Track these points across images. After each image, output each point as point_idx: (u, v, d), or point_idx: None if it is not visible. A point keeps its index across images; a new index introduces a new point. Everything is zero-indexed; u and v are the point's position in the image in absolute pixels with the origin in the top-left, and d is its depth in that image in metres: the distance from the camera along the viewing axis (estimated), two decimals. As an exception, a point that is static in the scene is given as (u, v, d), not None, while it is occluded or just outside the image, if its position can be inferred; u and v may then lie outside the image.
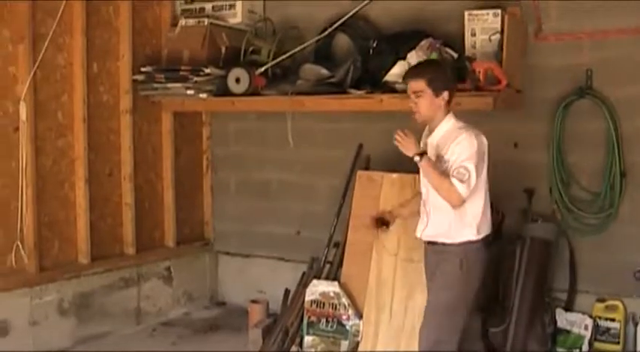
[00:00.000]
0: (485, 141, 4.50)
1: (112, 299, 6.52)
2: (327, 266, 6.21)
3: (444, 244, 4.56)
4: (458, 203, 4.38)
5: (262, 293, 6.86)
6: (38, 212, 5.98)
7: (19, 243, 5.84)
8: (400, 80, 5.55)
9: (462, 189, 4.32)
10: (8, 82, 5.80)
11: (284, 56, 6.39)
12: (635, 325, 5.55)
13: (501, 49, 5.52)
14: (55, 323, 6.07)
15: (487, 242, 4.60)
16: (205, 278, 7.46)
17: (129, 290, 6.68)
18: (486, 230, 4.59)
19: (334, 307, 5.83)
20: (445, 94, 4.46)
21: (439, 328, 4.53)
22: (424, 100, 4.47)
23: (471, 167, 4.33)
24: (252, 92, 6.26)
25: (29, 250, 5.91)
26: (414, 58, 5.52)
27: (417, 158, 4.44)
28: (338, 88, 6.01)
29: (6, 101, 5.80)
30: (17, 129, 5.84)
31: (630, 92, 5.55)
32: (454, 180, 4.33)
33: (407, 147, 4.48)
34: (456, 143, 4.39)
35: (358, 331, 5.74)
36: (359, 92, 5.91)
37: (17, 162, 5.83)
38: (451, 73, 4.63)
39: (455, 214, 4.46)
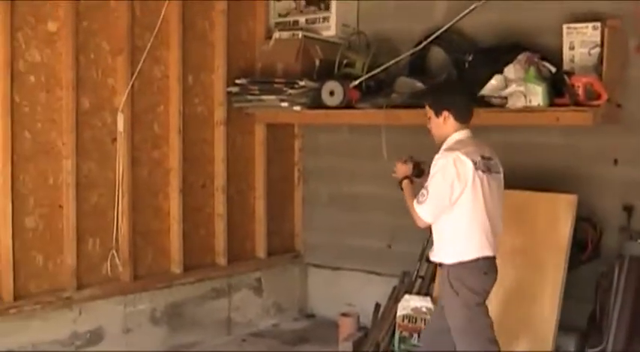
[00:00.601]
0: (466, 162, 4.48)
1: (203, 309, 6.57)
2: (419, 280, 6.16)
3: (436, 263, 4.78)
4: (420, 224, 4.61)
5: (352, 307, 6.82)
6: (133, 221, 6.07)
7: (114, 251, 5.94)
8: (496, 94, 5.50)
9: (419, 210, 4.54)
10: (107, 93, 5.92)
11: (378, 69, 6.35)
12: None
13: (601, 62, 5.40)
14: (147, 331, 6.15)
15: (479, 266, 4.54)
16: (295, 289, 7.47)
17: (220, 301, 6.73)
18: (470, 255, 4.52)
19: (426, 322, 5.77)
20: (445, 113, 4.65)
21: (470, 346, 4.55)
22: (431, 121, 4.77)
23: (431, 189, 4.49)
24: (346, 105, 6.26)
25: (124, 259, 6.00)
26: (511, 71, 5.44)
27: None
28: (433, 102, 5.96)
29: (104, 112, 5.91)
30: (115, 139, 5.94)
31: None
32: (414, 202, 4.56)
33: (399, 174, 4.99)
34: (432, 163, 4.59)
35: (450, 347, 5.68)
36: (454, 106, 5.86)
37: (114, 173, 5.94)
38: (455, 92, 4.91)
39: (436, 235, 4.66)
